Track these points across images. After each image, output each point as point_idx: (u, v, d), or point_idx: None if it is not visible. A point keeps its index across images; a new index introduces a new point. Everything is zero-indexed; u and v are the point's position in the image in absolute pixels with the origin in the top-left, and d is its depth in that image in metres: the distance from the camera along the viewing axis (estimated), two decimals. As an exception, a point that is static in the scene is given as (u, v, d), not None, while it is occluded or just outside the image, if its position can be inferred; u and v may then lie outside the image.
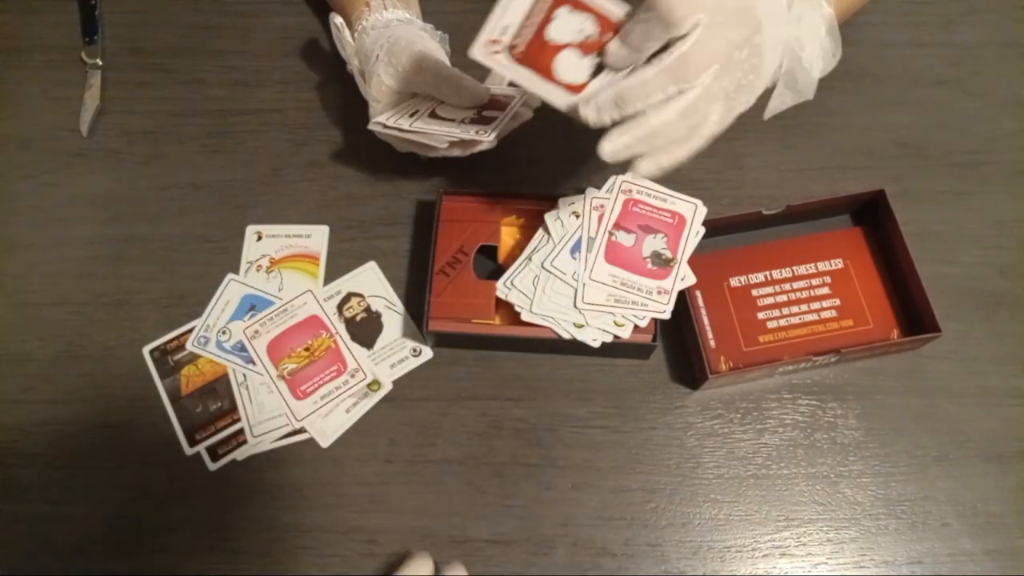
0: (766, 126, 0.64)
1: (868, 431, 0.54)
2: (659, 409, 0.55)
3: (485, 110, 0.53)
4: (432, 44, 0.55)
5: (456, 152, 0.55)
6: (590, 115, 0.41)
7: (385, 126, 0.53)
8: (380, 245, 0.60)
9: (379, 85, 0.54)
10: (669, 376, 0.56)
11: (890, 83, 0.66)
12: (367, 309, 0.58)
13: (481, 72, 0.54)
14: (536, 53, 0.43)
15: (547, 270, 0.53)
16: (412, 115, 0.53)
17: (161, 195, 0.63)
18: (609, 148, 0.41)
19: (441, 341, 0.56)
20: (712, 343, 0.55)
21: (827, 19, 0.51)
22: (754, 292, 0.57)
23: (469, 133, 0.50)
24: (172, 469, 0.53)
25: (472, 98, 0.52)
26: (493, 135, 0.49)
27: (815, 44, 0.50)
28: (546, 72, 0.43)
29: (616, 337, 0.52)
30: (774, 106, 0.53)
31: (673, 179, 0.57)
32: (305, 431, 0.54)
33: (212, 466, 0.53)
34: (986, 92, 0.65)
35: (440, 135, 0.51)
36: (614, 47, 0.42)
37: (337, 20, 0.57)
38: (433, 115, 0.53)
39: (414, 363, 0.56)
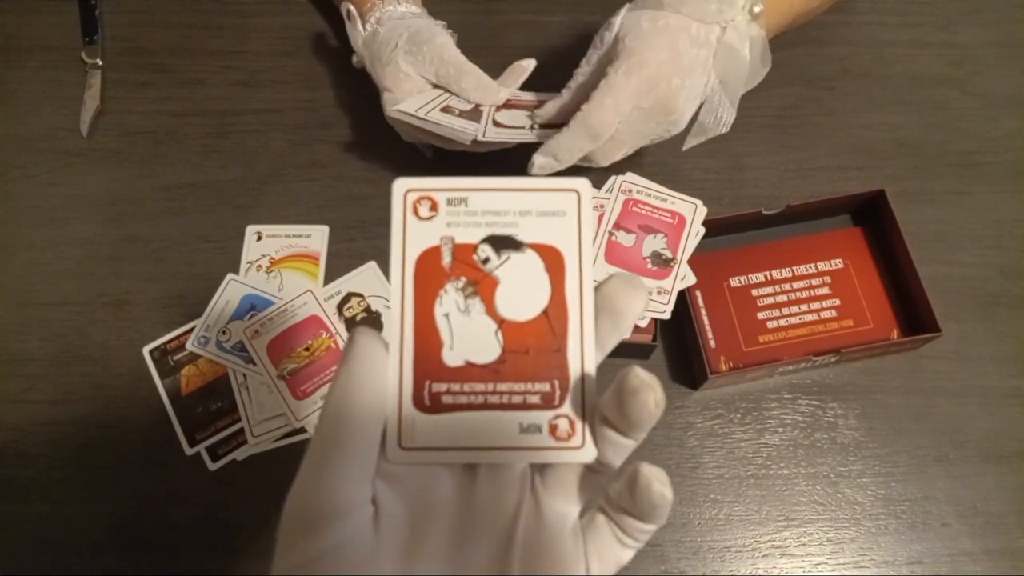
0: (766, 126, 0.64)
1: (868, 431, 0.54)
2: (659, 409, 0.55)
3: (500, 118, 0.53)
4: (449, 38, 0.56)
5: (475, 147, 0.55)
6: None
7: (405, 113, 0.52)
8: (380, 245, 0.60)
9: (396, 73, 0.54)
10: (669, 376, 0.56)
11: (890, 83, 0.66)
12: (367, 309, 0.58)
13: (495, 73, 0.55)
14: None
15: (547, 270, 0.53)
16: (427, 104, 0.53)
17: (161, 195, 0.63)
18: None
19: (441, 341, 0.56)
20: (712, 343, 0.55)
21: (758, 42, 0.49)
22: (754, 292, 0.56)
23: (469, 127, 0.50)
24: (172, 469, 0.53)
25: (491, 97, 0.53)
26: (485, 136, 0.49)
27: (737, 80, 0.50)
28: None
29: (616, 337, 0.52)
30: (690, 144, 0.54)
31: (673, 179, 0.57)
32: (305, 431, 0.54)
33: (212, 466, 0.53)
34: (986, 92, 0.65)
35: (448, 127, 0.51)
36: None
37: (349, 7, 0.56)
38: (447, 110, 0.53)
39: (414, 363, 0.56)
